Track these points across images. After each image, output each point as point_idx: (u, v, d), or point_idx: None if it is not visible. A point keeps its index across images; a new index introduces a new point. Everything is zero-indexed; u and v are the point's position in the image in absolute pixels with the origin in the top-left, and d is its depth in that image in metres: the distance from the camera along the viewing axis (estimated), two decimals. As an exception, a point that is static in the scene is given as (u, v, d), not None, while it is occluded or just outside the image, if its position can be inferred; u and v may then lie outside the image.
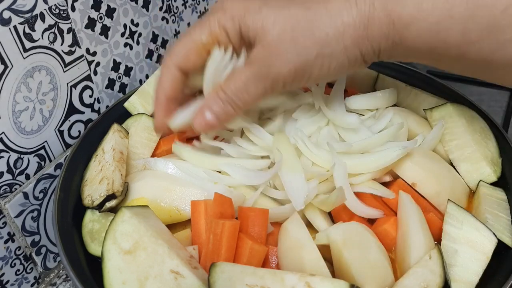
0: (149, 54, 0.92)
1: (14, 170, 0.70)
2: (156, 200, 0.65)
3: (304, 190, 0.60)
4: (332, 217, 0.65)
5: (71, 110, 0.78)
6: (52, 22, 0.71)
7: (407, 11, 0.52)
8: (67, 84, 0.76)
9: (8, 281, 0.74)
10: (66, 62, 0.75)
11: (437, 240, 0.60)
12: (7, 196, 0.70)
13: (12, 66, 0.66)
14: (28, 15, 0.67)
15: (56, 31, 0.72)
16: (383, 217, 0.63)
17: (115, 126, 0.75)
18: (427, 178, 0.66)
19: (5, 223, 0.71)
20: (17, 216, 0.72)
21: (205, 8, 1.04)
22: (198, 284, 0.53)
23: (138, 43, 0.89)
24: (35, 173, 0.74)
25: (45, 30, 0.70)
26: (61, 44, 0.73)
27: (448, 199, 0.62)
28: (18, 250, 0.74)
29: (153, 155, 0.77)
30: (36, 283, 0.79)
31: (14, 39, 0.65)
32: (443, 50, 0.53)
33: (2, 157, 0.68)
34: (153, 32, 0.92)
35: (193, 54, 0.62)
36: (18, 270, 0.75)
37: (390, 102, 0.78)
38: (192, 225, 0.62)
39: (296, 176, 0.62)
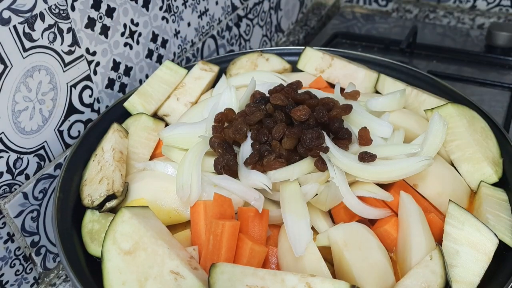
0: (149, 54, 0.92)
1: (13, 170, 0.70)
2: (156, 201, 0.65)
3: (307, 237, 0.57)
4: (333, 218, 0.64)
5: (71, 110, 0.78)
6: (52, 22, 0.70)
7: None
8: (67, 84, 0.76)
9: (7, 282, 0.73)
10: (66, 62, 0.74)
11: (438, 240, 0.60)
12: (7, 196, 0.70)
13: (12, 66, 0.66)
14: (28, 14, 0.66)
15: (56, 31, 0.71)
16: (384, 217, 0.62)
17: (114, 126, 0.75)
18: (428, 178, 0.66)
19: (4, 223, 0.70)
20: (16, 216, 0.72)
21: (205, 8, 1.04)
22: (198, 285, 0.53)
23: (138, 42, 0.88)
24: (34, 173, 0.74)
25: (45, 29, 0.69)
26: (61, 44, 0.73)
27: (449, 200, 0.62)
28: (18, 250, 0.74)
29: (152, 155, 0.77)
30: (35, 283, 0.78)
31: (14, 39, 0.65)
32: None
33: (2, 157, 0.68)
34: (153, 32, 0.91)
35: None
36: (18, 270, 0.75)
37: (401, 105, 0.77)
38: (192, 225, 0.62)
39: (301, 222, 0.58)
